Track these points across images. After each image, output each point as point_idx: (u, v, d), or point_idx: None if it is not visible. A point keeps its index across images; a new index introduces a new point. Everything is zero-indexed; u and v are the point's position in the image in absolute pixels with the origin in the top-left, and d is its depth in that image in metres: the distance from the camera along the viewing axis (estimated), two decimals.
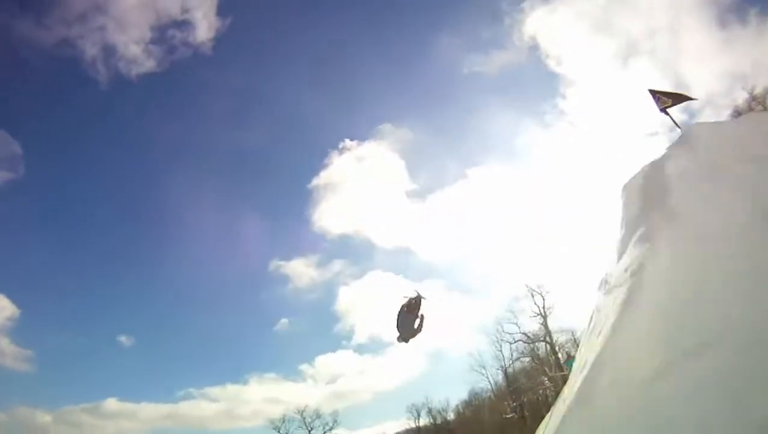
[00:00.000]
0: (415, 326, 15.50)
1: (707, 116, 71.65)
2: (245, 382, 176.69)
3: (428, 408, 78.70)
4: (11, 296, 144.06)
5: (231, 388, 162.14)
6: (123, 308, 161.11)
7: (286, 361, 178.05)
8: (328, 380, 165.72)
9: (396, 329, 15.43)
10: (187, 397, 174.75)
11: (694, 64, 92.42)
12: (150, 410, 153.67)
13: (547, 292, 59.54)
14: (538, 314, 58.89)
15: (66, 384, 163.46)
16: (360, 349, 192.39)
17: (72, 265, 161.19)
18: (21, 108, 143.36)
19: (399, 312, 15.49)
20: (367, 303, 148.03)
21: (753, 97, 56.38)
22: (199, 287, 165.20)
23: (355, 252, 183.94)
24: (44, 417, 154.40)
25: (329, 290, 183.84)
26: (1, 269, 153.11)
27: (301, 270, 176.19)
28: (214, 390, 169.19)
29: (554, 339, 60.02)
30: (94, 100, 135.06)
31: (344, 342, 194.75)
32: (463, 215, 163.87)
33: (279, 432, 72.10)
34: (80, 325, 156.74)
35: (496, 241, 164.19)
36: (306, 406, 75.26)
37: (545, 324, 58.80)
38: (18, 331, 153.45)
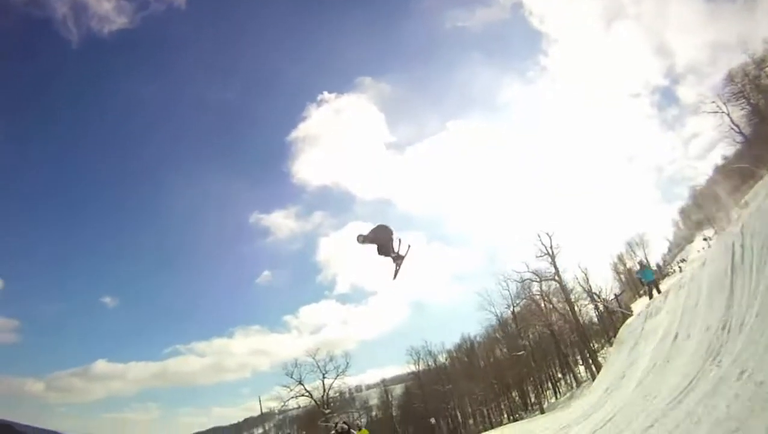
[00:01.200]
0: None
1: (690, 82, 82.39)
2: (231, 335, 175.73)
3: (428, 350, 78.07)
4: None
5: (217, 342, 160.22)
6: (105, 271, 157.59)
7: (270, 313, 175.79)
8: (312, 330, 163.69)
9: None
10: (174, 354, 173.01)
11: (679, 32, 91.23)
12: (138, 369, 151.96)
13: (553, 233, 58.33)
14: (545, 254, 57.81)
15: (54, 351, 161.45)
16: (342, 299, 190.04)
17: (50, 233, 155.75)
18: None
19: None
20: (348, 254, 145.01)
21: (755, 62, 58.10)
22: (180, 244, 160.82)
23: (335, 204, 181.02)
24: (35, 385, 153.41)
25: (310, 242, 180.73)
26: None
27: (281, 222, 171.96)
28: (201, 345, 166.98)
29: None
30: (64, 60, 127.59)
31: (327, 293, 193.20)
32: (443, 167, 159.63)
33: (292, 376, 68.19)
34: (64, 291, 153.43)
35: (476, 192, 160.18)
36: (318, 349, 71.88)
37: (554, 263, 57.84)
38: (2, 303, 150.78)
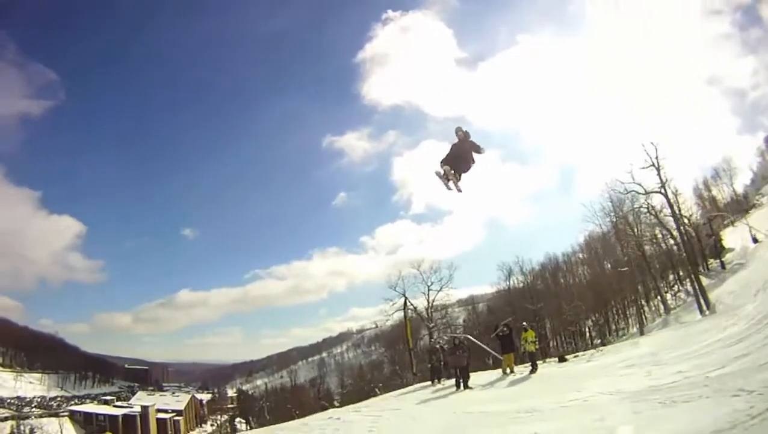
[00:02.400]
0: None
1: None
2: (309, 258, 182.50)
3: (520, 266, 77.02)
4: (76, 215, 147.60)
5: (296, 265, 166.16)
6: (184, 204, 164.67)
7: (347, 235, 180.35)
8: (388, 250, 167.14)
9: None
10: (254, 278, 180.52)
11: None
12: (220, 295, 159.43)
13: (658, 143, 53.91)
14: (650, 165, 53.31)
15: (139, 285, 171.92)
16: (418, 219, 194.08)
17: (128, 174, 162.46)
18: (53, 37, 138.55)
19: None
20: (423, 173, 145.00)
21: None
22: (256, 171, 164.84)
23: (407, 123, 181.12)
24: (123, 319, 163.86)
25: (384, 162, 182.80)
26: (62, 191, 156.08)
27: (354, 144, 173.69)
28: (280, 269, 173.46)
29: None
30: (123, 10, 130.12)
31: (402, 213, 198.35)
32: (516, 82, 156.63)
33: (395, 289, 65.72)
34: (144, 228, 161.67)
35: (550, 109, 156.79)
36: (422, 260, 70.87)
37: (659, 175, 53.39)
38: (87, 245, 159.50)
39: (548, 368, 21.25)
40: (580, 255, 78.79)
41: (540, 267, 79.39)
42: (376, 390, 66.42)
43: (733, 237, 58.66)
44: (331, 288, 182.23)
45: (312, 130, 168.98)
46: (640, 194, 55.78)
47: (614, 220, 63.12)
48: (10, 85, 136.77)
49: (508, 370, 23.25)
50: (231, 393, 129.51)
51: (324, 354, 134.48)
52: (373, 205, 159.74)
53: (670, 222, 56.72)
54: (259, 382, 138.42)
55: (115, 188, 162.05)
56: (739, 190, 77.04)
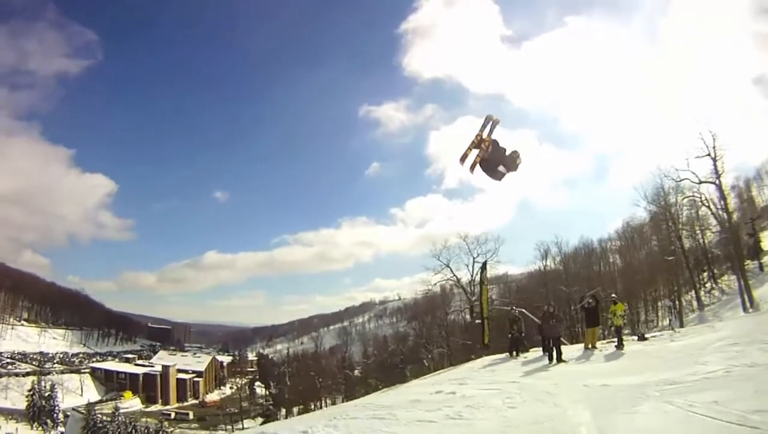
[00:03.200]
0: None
1: None
2: (337, 226, 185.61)
3: (558, 247, 74.22)
4: (108, 173, 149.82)
5: (324, 232, 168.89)
6: (217, 167, 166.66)
7: (377, 205, 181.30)
8: (417, 223, 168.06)
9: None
10: (282, 244, 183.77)
11: None
12: (247, 259, 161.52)
13: (716, 133, 50.11)
14: (706, 155, 49.77)
15: (167, 245, 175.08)
16: (449, 194, 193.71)
17: (161, 135, 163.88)
18: None
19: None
20: (458, 148, 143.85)
21: None
22: (291, 136, 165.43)
23: (446, 97, 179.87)
24: (149, 278, 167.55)
25: (420, 135, 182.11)
26: (96, 150, 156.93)
27: (391, 114, 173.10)
28: (308, 235, 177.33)
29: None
30: None
31: (434, 187, 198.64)
32: (561, 64, 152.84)
33: (438, 259, 64.03)
34: (176, 189, 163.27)
35: (594, 95, 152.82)
36: (468, 232, 67.49)
37: (715, 165, 49.89)
38: (118, 204, 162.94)
39: (632, 345, 19.56)
40: (617, 242, 77.31)
41: (574, 251, 76.94)
42: (406, 373, 65.55)
43: None
44: (357, 258, 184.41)
45: (350, 99, 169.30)
46: (693, 183, 52.46)
47: (659, 207, 59.97)
48: (49, 45, 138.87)
49: (590, 345, 21.53)
50: (251, 356, 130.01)
51: (346, 323, 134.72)
52: (405, 177, 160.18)
53: (711, 218, 54.77)
54: (279, 346, 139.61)
55: (149, 149, 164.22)
56: None
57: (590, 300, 22.55)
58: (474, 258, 64.90)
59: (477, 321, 37.06)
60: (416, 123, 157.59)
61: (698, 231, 58.11)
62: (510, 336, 22.93)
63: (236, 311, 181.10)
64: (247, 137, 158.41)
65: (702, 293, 58.36)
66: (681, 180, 53.22)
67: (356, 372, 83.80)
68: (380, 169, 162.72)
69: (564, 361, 19.32)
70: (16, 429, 71.58)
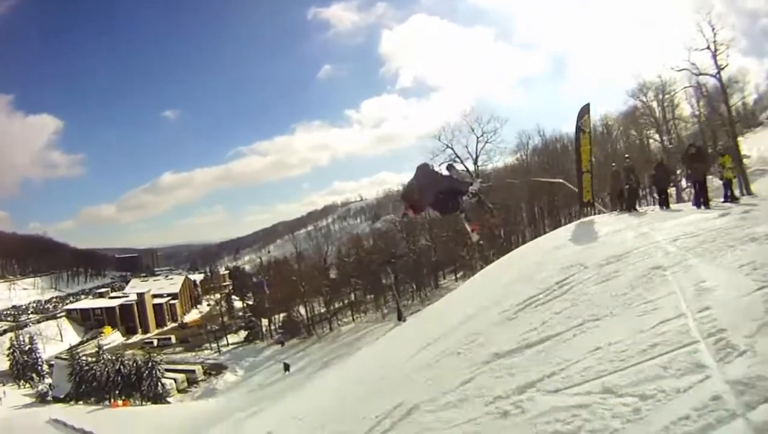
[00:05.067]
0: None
1: None
2: (292, 132, 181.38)
3: (541, 135, 76.79)
4: (52, 111, 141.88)
5: (279, 140, 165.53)
6: (163, 86, 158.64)
7: (331, 108, 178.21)
8: (373, 124, 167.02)
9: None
10: (237, 156, 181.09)
11: None
12: (204, 175, 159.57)
13: (717, 25, 51.33)
14: (705, 48, 51.38)
15: (122, 174, 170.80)
16: (405, 93, 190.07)
17: (101, 63, 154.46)
18: None
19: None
20: (411, 47, 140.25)
21: None
22: (236, 46, 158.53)
23: None
24: (108, 210, 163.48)
25: (372, 34, 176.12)
26: (35, 90, 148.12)
27: (341, 15, 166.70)
28: (263, 145, 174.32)
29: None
30: None
31: (389, 87, 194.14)
32: None
33: (439, 139, 66.51)
34: (124, 114, 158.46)
35: None
36: (471, 108, 66.98)
37: (715, 58, 51.43)
38: (66, 141, 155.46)
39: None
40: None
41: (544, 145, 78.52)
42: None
43: (746, 146, 57.76)
44: (315, 162, 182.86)
45: (297, 2, 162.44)
46: (694, 74, 54.53)
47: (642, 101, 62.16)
48: None
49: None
50: (222, 271, 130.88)
51: (310, 228, 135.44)
52: (358, 78, 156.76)
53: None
54: (247, 258, 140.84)
55: (90, 79, 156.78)
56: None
57: (692, 149, 21.58)
58: (478, 137, 65.00)
59: (557, 180, 37.21)
60: (368, 23, 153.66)
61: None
62: (627, 187, 21.81)
63: (199, 229, 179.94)
64: (190, 50, 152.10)
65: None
66: (680, 70, 55.12)
67: (331, 274, 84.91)
68: (332, 71, 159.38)
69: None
70: (4, 392, 71.06)
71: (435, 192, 8.31)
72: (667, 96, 60.89)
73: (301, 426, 12.01)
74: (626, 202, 22.29)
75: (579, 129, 23.29)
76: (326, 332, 78.43)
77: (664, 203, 21.36)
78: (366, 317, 78.50)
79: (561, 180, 40.21)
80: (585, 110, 23.18)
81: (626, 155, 28.55)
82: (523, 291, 10.13)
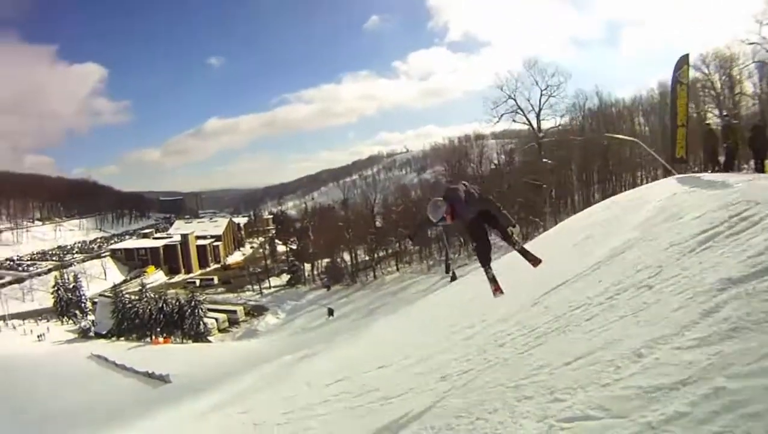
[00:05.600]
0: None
1: None
2: (338, 81, 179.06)
3: (599, 96, 72.99)
4: (96, 59, 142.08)
5: (325, 88, 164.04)
6: (208, 32, 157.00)
7: (379, 59, 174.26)
8: (421, 76, 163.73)
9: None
10: (282, 103, 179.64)
11: None
12: (249, 121, 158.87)
13: None
14: None
15: (166, 120, 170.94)
16: (453, 47, 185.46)
17: (145, 12, 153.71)
18: None
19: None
20: (460, 1, 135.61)
21: None
22: None
23: None
24: (153, 155, 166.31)
25: None
26: (79, 39, 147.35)
27: None
28: (308, 93, 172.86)
29: None
30: None
31: (437, 40, 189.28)
32: None
33: (502, 89, 65.05)
34: (168, 61, 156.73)
35: None
36: (536, 59, 67.59)
37: None
38: (111, 88, 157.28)
39: None
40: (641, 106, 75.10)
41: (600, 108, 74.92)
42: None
43: None
44: (361, 112, 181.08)
45: None
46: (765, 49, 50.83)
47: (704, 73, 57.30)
48: None
49: None
50: (266, 215, 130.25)
51: (355, 177, 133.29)
52: (406, 30, 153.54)
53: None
54: (290, 204, 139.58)
55: (134, 25, 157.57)
56: None
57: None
58: (542, 90, 62.03)
59: (631, 138, 34.59)
60: None
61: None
62: (725, 146, 20.06)
63: (243, 174, 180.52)
64: None
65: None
66: (750, 44, 51.80)
67: (377, 223, 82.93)
68: (379, 22, 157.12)
69: None
70: (47, 328, 72.02)
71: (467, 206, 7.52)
72: (730, 70, 56.35)
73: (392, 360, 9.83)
74: (724, 163, 19.58)
75: (676, 81, 20.74)
76: (369, 280, 76.79)
77: (760, 168, 18.21)
78: (410, 268, 76.60)
79: (635, 139, 37.32)
80: (684, 61, 20.63)
81: (724, 113, 25.69)
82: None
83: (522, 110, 62.72)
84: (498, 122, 66.30)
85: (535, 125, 64.51)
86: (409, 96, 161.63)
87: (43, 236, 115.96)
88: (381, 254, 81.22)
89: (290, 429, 8.31)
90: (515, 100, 62.54)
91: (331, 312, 61.33)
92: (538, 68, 64.06)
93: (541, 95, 62.77)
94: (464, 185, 7.65)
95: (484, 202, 7.69)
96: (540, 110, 63.30)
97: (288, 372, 19.07)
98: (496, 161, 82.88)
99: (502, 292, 8.06)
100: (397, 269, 77.86)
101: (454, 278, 53.16)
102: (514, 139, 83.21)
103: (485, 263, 8.00)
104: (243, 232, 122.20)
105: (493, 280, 8.04)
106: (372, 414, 6.87)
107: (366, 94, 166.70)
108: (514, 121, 65.66)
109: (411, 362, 8.57)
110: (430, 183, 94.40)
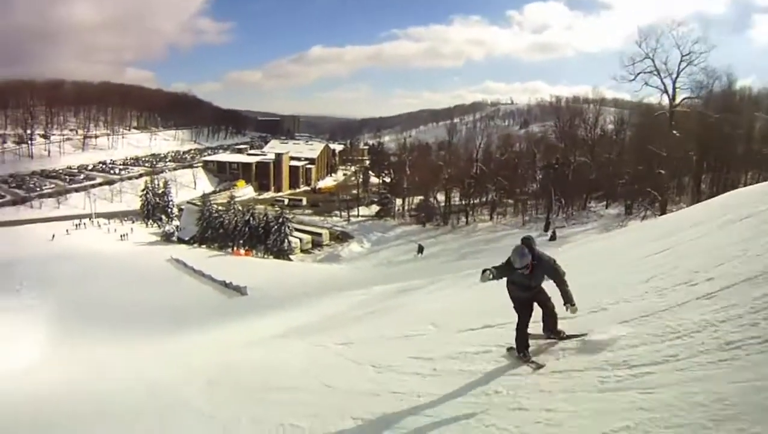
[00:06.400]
0: None
1: None
2: (449, 23, 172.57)
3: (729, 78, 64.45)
4: None
5: (435, 29, 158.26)
6: None
7: (494, 4, 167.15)
8: (534, 29, 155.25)
9: None
10: (390, 38, 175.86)
11: None
12: (354, 52, 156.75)
13: None
14: None
15: (269, 43, 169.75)
16: (572, 4, 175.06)
17: None
18: None
19: None
20: None
21: None
22: None
23: None
24: (254, 76, 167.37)
25: None
26: None
27: None
28: (418, 30, 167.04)
29: None
30: None
31: None
32: None
33: (640, 46, 58.70)
34: None
35: None
36: (681, 20, 63.48)
37: None
38: (216, 8, 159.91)
39: None
40: None
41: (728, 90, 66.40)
42: None
43: None
44: (468, 57, 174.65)
45: None
46: None
47: None
48: None
49: None
50: (362, 146, 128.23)
51: (456, 120, 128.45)
52: None
53: None
54: (387, 138, 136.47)
55: None
56: None
57: None
58: (682, 55, 56.55)
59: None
60: None
61: None
62: None
63: (342, 103, 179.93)
64: None
65: None
66: None
67: (475, 169, 78.50)
68: None
69: None
70: (131, 229, 72.76)
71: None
72: None
73: None
74: None
75: None
76: (461, 224, 73.13)
77: None
78: (504, 220, 72.34)
79: None
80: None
81: None
82: None
83: (658, 72, 56.98)
84: (633, 80, 60.01)
85: (670, 92, 58.03)
86: (520, 47, 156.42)
87: (138, 143, 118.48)
88: (474, 201, 76.95)
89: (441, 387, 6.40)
90: (653, 60, 56.44)
91: (421, 249, 57.88)
92: (680, 32, 57.31)
93: (681, 60, 56.44)
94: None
95: (553, 271, 6.51)
96: (677, 75, 56.97)
97: (388, 306, 16.47)
98: (610, 126, 78.71)
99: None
100: (491, 219, 73.86)
101: (553, 238, 51.32)
102: (627, 109, 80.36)
103: (525, 347, 6.73)
104: (337, 159, 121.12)
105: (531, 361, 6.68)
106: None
107: (476, 40, 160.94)
108: (646, 84, 59.33)
109: None
110: (537, 137, 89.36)
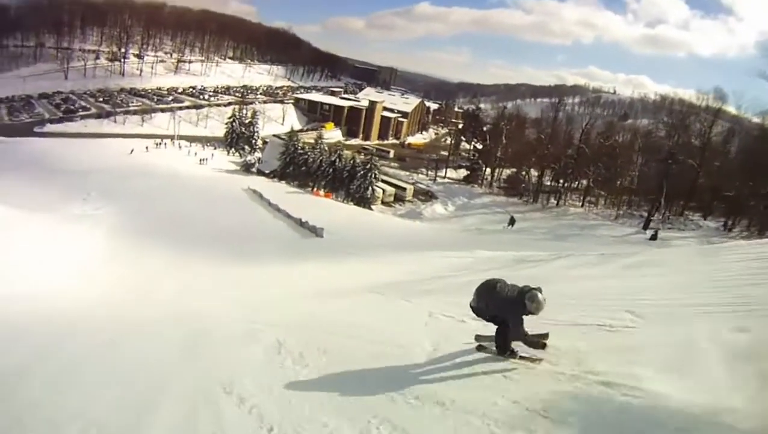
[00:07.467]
0: None
1: None
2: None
3: None
4: None
5: (548, 3, 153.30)
6: None
7: None
8: (648, 21, 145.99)
9: None
10: (500, 5, 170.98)
11: None
12: (461, 14, 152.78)
13: None
14: None
15: None
16: (694, 3, 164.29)
17: None
18: None
19: None
20: None
21: None
22: None
23: None
24: (356, 23, 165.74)
25: None
26: None
27: None
28: (529, 2, 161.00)
29: None
30: None
31: None
32: None
33: None
34: None
35: None
36: None
37: None
38: None
39: None
40: None
41: None
42: None
43: None
44: (576, 37, 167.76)
45: None
46: None
47: None
48: None
49: None
50: (457, 109, 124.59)
51: (554, 99, 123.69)
52: None
53: None
54: (481, 105, 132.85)
55: None
56: None
57: None
58: None
59: None
60: None
61: None
62: None
63: (441, 63, 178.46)
64: None
65: None
66: None
67: (570, 151, 74.07)
68: None
69: None
70: (212, 154, 72.34)
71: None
72: None
73: None
74: None
75: None
76: (551, 205, 69.68)
77: None
78: (596, 209, 68.41)
79: None
80: None
81: None
82: None
83: None
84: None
85: None
86: (631, 38, 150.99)
87: (231, 73, 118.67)
88: (566, 184, 73.58)
89: None
90: None
91: (513, 222, 54.17)
92: None
93: None
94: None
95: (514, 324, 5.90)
96: None
97: (518, 275, 12.16)
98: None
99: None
100: (582, 205, 70.07)
101: (654, 237, 48.56)
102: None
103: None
104: (430, 117, 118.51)
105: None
106: None
107: (587, 21, 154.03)
108: None
109: None
110: (645, 129, 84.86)
